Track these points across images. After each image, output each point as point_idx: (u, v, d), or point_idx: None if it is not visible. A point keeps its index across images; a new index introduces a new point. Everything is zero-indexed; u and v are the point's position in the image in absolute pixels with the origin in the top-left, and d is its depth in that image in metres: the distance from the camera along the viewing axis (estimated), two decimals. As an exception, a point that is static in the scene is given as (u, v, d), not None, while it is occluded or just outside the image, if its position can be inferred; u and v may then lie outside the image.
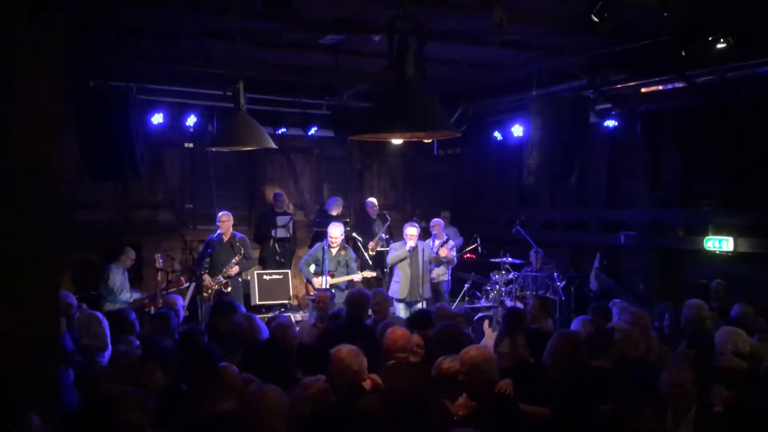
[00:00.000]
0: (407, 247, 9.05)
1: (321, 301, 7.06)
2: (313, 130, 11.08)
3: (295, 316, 9.43)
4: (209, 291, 9.09)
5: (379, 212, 11.85)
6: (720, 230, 9.28)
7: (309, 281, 9.25)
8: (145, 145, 8.78)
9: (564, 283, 9.93)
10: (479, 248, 11.20)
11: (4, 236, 4.26)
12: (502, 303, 9.41)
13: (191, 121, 10.00)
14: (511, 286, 9.97)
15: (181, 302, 7.59)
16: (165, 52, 8.50)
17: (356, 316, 6.36)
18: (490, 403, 4.25)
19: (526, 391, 4.62)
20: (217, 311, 6.44)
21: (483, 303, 10.00)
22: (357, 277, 9.19)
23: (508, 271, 10.09)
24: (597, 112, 9.79)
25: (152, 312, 8.62)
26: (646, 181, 10.56)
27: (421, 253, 9.13)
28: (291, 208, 12.05)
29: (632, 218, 10.75)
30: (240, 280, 9.59)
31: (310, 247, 10.24)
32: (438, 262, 9.76)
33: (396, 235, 11.02)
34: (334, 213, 11.30)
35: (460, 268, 11.23)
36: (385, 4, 5.34)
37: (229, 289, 9.14)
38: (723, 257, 9.23)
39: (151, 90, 9.41)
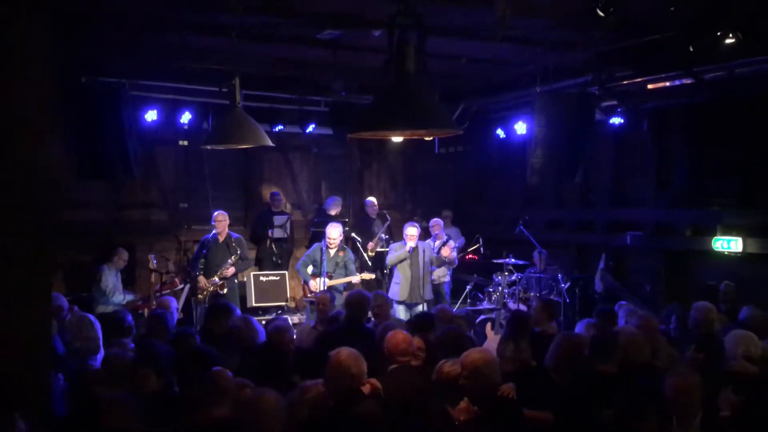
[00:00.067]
0: (407, 248, 9.05)
1: (321, 303, 7.05)
2: (311, 128, 11.08)
3: (292, 319, 9.42)
4: (204, 293, 9.09)
5: (378, 212, 11.85)
6: (729, 230, 9.28)
7: (306, 283, 9.24)
8: (138, 143, 8.79)
9: (568, 284, 9.93)
10: (481, 249, 11.21)
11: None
12: (504, 305, 9.40)
13: (186, 118, 9.99)
14: (514, 287, 9.97)
15: (175, 304, 7.56)
16: (159, 47, 8.49)
17: (356, 318, 6.36)
18: (492, 407, 4.24)
19: (529, 395, 4.61)
20: (212, 313, 6.43)
21: (485, 305, 10.00)
22: (356, 278, 9.19)
23: (511, 273, 10.08)
24: (602, 109, 9.78)
25: (146, 314, 8.62)
26: (652, 180, 10.56)
27: (421, 253, 9.12)
28: (288, 208, 12.06)
29: (638, 218, 10.75)
30: (236, 281, 9.59)
31: (308, 247, 10.24)
32: (440, 262, 9.76)
33: (396, 235, 11.02)
34: (333, 213, 11.30)
35: (462, 270, 11.24)
36: (384, -2, 5.34)
37: (225, 290, 9.13)
38: (732, 258, 9.23)
39: (144, 86, 9.40)
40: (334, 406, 4.18)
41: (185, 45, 8.35)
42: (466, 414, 4.20)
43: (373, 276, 9.69)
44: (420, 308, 8.99)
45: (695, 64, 8.11)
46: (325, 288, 8.78)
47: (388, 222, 11.37)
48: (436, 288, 10.14)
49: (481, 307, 10.00)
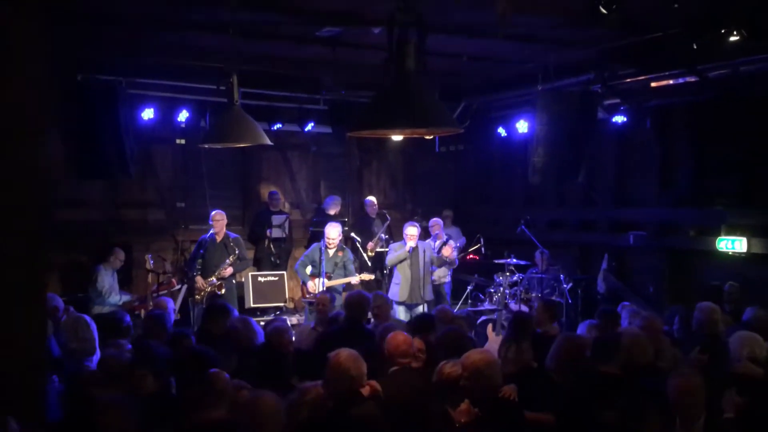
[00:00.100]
0: (407, 248, 9.04)
1: (321, 304, 7.04)
2: (309, 126, 11.08)
3: (291, 320, 9.42)
4: (202, 293, 9.08)
5: (378, 211, 11.85)
6: (733, 230, 9.28)
7: (304, 284, 9.24)
8: (135, 141, 8.81)
9: (571, 285, 9.93)
10: (482, 249, 11.21)
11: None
12: (506, 306, 9.40)
13: (183, 116, 9.99)
14: (515, 288, 9.97)
15: (172, 305, 7.57)
16: (156, 45, 8.50)
17: (355, 319, 6.36)
18: (493, 409, 4.25)
19: (530, 397, 4.62)
20: (210, 314, 6.44)
21: (486, 306, 10.00)
22: (355, 279, 9.18)
23: (512, 273, 10.09)
24: (605, 107, 9.79)
25: (142, 315, 8.62)
26: (656, 179, 10.56)
27: (422, 253, 9.12)
28: (287, 207, 12.06)
29: (642, 218, 10.75)
30: (234, 281, 9.58)
31: (307, 247, 10.24)
32: (441, 262, 9.75)
33: (396, 235, 11.02)
34: (332, 212, 11.30)
35: (463, 270, 11.24)
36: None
37: (223, 291, 9.13)
38: (736, 258, 9.23)
39: (141, 84, 9.40)
40: (333, 407, 4.18)
41: (183, 42, 8.37)
42: (466, 416, 4.21)
43: (372, 277, 9.69)
44: (420, 309, 8.99)
45: (699, 62, 8.12)
46: (324, 289, 8.78)
47: (388, 222, 11.38)
48: (437, 288, 10.14)
49: (482, 308, 9.99)
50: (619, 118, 9.98)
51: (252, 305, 10.05)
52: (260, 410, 3.79)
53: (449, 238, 10.25)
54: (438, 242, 10.00)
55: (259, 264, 11.07)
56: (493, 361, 4.42)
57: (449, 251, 9.75)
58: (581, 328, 6.28)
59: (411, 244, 9.05)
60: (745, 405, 4.47)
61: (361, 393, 4.31)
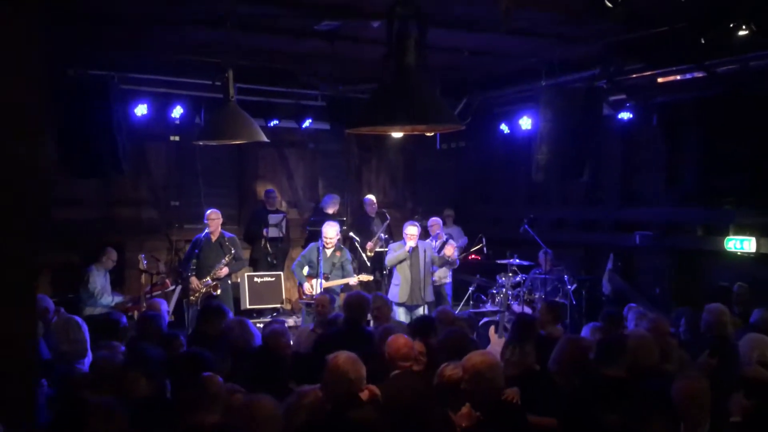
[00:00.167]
0: (407, 248, 9.04)
1: (321, 305, 7.04)
2: (307, 123, 11.07)
3: (288, 321, 9.42)
4: (196, 294, 9.09)
5: (377, 210, 11.86)
6: (742, 230, 9.29)
7: (301, 285, 9.23)
8: (128, 138, 8.79)
9: (575, 286, 9.94)
10: (484, 249, 11.22)
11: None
12: (508, 307, 9.40)
13: (177, 112, 9.98)
14: (518, 289, 9.97)
15: (166, 306, 7.57)
16: (149, 39, 8.49)
17: (355, 320, 6.35)
18: (495, 413, 4.24)
19: (533, 400, 4.62)
20: (204, 316, 6.43)
21: (488, 307, 10.00)
22: (353, 280, 9.18)
23: (515, 274, 10.09)
24: (610, 103, 9.79)
25: (135, 316, 8.62)
26: (662, 178, 10.57)
27: (422, 254, 9.11)
28: (284, 206, 12.06)
29: (648, 217, 10.75)
30: (229, 282, 9.59)
31: (304, 247, 10.24)
32: (442, 262, 9.73)
33: (396, 234, 11.03)
34: (330, 211, 11.30)
35: (464, 271, 11.24)
36: (384, -13, 5.33)
37: (219, 291, 9.13)
38: (745, 259, 9.24)
39: (134, 79, 9.39)
40: (331, 411, 4.18)
41: (177, 37, 8.37)
42: (467, 420, 4.20)
43: (371, 278, 9.69)
44: (421, 311, 8.99)
45: (707, 57, 8.12)
46: (320, 290, 8.77)
47: (388, 221, 11.38)
48: (438, 289, 10.14)
49: (484, 310, 10.00)
50: (624, 115, 9.98)
51: (248, 306, 10.06)
52: (258, 414, 3.79)
53: (449, 237, 10.25)
54: (438, 242, 10.00)
55: (255, 264, 11.07)
56: (494, 363, 4.42)
57: (452, 251, 9.71)
58: (585, 331, 6.28)
59: (411, 244, 9.04)
60: (752, 408, 4.47)
61: (359, 397, 4.31)
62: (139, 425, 4.03)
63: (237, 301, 10.02)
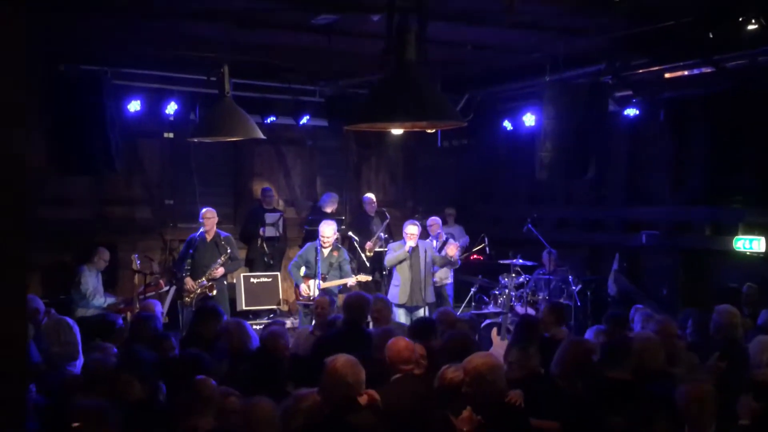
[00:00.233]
0: (406, 248, 9.03)
1: (320, 307, 7.03)
2: (305, 119, 11.08)
3: (285, 323, 9.42)
4: (191, 295, 9.09)
5: (377, 209, 11.86)
6: (751, 229, 9.28)
7: (297, 286, 9.22)
8: (121, 135, 8.79)
9: (580, 287, 9.94)
10: (487, 249, 11.20)
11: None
12: (511, 309, 9.41)
13: (171, 108, 9.98)
14: (521, 290, 9.97)
15: (160, 308, 7.59)
16: (143, 33, 8.48)
17: (355, 322, 6.35)
18: (496, 416, 4.24)
19: (536, 403, 4.62)
20: (200, 317, 6.44)
21: (491, 309, 10.01)
22: (351, 280, 9.17)
23: (518, 274, 10.09)
24: (616, 99, 9.79)
25: (128, 318, 8.63)
26: (669, 175, 10.57)
27: (423, 254, 9.11)
28: (281, 205, 12.06)
29: (654, 216, 10.76)
30: (225, 283, 9.59)
31: (302, 247, 10.24)
32: (443, 262, 9.69)
33: (396, 234, 11.02)
34: (329, 210, 11.30)
35: (466, 271, 11.23)
36: (383, -20, 5.33)
37: (214, 292, 9.13)
38: (754, 259, 9.23)
39: (128, 74, 9.40)
40: (329, 415, 4.18)
41: (171, 30, 8.35)
42: (469, 423, 4.20)
43: (369, 278, 9.68)
44: (421, 312, 8.99)
45: (715, 51, 8.11)
46: (317, 291, 8.75)
47: (388, 220, 11.38)
48: (438, 290, 10.13)
49: (486, 311, 10.00)
50: (630, 111, 9.99)
51: (244, 308, 10.05)
52: (256, 417, 3.80)
53: (449, 237, 10.25)
54: (438, 242, 10.00)
55: (251, 264, 11.07)
56: (496, 365, 4.41)
57: (454, 250, 9.65)
58: (588, 334, 6.29)
59: (411, 243, 9.03)
60: (761, 411, 4.47)
61: (358, 401, 4.31)
62: (132, 429, 4.03)
63: (233, 302, 10.02)
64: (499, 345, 7.82)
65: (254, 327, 6.88)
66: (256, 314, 10.09)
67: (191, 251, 9.22)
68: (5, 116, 4.36)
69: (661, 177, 10.72)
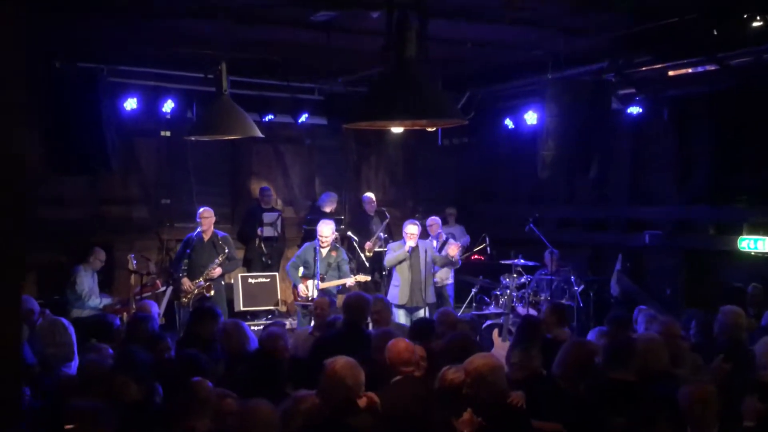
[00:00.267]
0: (406, 248, 9.02)
1: (319, 308, 7.04)
2: (303, 118, 11.08)
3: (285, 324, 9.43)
4: (188, 296, 9.09)
5: (377, 209, 11.85)
6: (756, 229, 9.28)
7: (296, 287, 9.22)
8: (117, 133, 8.79)
9: (582, 287, 9.94)
10: (488, 249, 11.20)
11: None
12: (513, 310, 9.41)
13: (168, 106, 9.99)
14: (523, 290, 9.97)
15: (157, 308, 7.58)
16: (139, 30, 8.47)
17: (355, 322, 6.35)
18: (497, 418, 4.24)
19: (538, 405, 4.62)
20: (196, 317, 6.44)
21: (492, 309, 10.01)
22: (350, 281, 9.16)
23: (520, 275, 10.09)
24: (619, 97, 9.80)
25: (125, 319, 8.62)
26: (673, 175, 10.57)
27: (423, 254, 9.10)
28: (279, 204, 12.06)
29: (658, 216, 10.76)
30: (223, 283, 9.59)
31: (300, 247, 10.23)
32: (444, 262, 9.67)
33: (396, 234, 11.02)
34: (328, 210, 11.30)
35: (467, 271, 11.23)
36: (383, -24, 5.34)
37: (212, 293, 9.13)
38: (759, 259, 9.24)
39: (124, 72, 9.40)
40: (328, 418, 4.18)
41: (168, 27, 8.34)
42: (469, 426, 4.20)
43: (368, 278, 9.68)
44: (422, 313, 8.99)
45: (719, 49, 8.11)
46: (316, 292, 8.75)
47: (387, 220, 11.38)
48: (439, 291, 10.13)
49: (487, 312, 10.00)
50: (634, 109, 9.99)
51: (242, 308, 10.06)
52: (255, 419, 3.80)
53: (449, 237, 10.25)
54: (438, 243, 10.00)
55: (249, 264, 11.07)
56: (497, 366, 4.41)
57: (456, 250, 9.62)
58: (591, 336, 6.29)
59: (411, 243, 9.03)
60: (766, 412, 4.48)
61: (357, 404, 4.31)
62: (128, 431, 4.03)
63: (230, 302, 10.03)
64: (500, 346, 7.84)
65: (252, 328, 6.87)
66: (254, 315, 10.09)
67: (188, 251, 9.22)
68: (4, 116, 4.36)
69: (664, 176, 10.72)
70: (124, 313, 8.99)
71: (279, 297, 10.53)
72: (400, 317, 9.00)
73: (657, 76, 9.27)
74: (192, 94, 10.04)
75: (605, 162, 9.27)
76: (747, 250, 9.27)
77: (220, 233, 9.51)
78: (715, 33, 7.34)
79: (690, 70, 8.91)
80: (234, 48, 8.11)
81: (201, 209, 9.49)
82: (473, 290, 10.84)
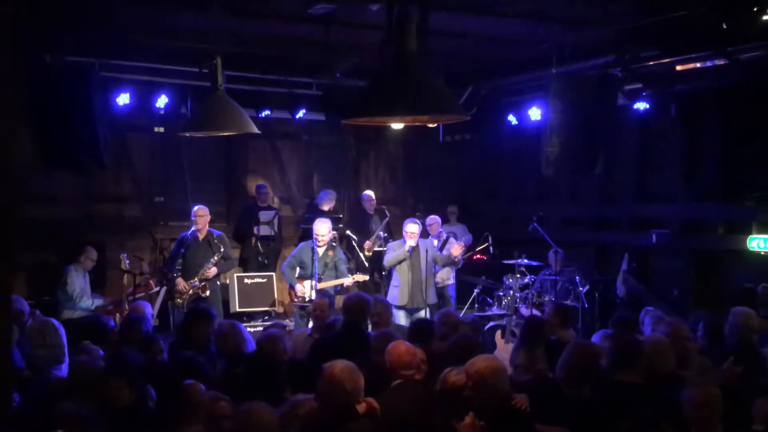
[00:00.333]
0: (406, 247, 9.02)
1: (319, 309, 7.03)
2: (301, 113, 11.08)
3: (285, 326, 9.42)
4: (183, 296, 9.08)
5: (376, 207, 11.85)
6: (766, 228, 9.29)
7: (292, 287, 9.21)
8: (109, 129, 8.76)
9: (587, 288, 9.94)
10: (491, 248, 11.20)
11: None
12: (516, 311, 9.40)
13: (162, 102, 9.99)
14: (526, 291, 9.96)
15: (150, 309, 7.58)
16: (132, 22, 8.47)
17: (355, 324, 6.34)
18: (500, 421, 4.24)
19: (543, 408, 4.62)
20: (191, 319, 6.42)
21: (495, 311, 10.00)
22: (348, 280, 9.15)
23: (523, 275, 10.08)
24: (625, 92, 9.79)
25: (117, 320, 8.62)
26: (681, 172, 10.57)
27: (423, 253, 9.10)
28: (276, 202, 12.05)
29: (665, 214, 10.76)
30: (218, 283, 9.59)
31: (297, 246, 10.23)
32: (446, 261, 9.64)
33: (396, 233, 11.02)
34: (326, 208, 11.30)
35: (469, 271, 11.23)
36: (383, -33, 5.33)
37: (207, 293, 9.11)
38: (769, 259, 9.25)
39: (116, 66, 9.40)
40: (326, 423, 4.18)
41: (161, 20, 8.34)
42: (471, 429, 4.19)
43: (366, 277, 9.66)
44: (422, 314, 8.98)
45: (729, 42, 8.11)
46: (313, 293, 8.74)
47: (387, 218, 11.38)
48: (440, 291, 10.13)
49: (490, 313, 9.99)
50: (640, 105, 9.99)
51: (237, 309, 10.05)
52: (253, 423, 3.80)
53: (450, 236, 10.24)
54: (438, 242, 9.99)
55: (245, 264, 11.07)
56: (499, 368, 4.41)
57: (458, 250, 9.56)
58: (595, 338, 6.29)
59: (411, 242, 9.02)
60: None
61: (356, 409, 4.31)
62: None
63: (226, 303, 10.03)
64: (503, 348, 7.84)
65: (248, 329, 6.87)
66: (251, 316, 10.08)
67: (182, 250, 9.21)
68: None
69: (671, 173, 10.72)
70: (117, 314, 9.00)
71: (276, 298, 10.53)
72: (401, 318, 8.99)
73: (664, 70, 9.27)
74: (186, 89, 10.03)
75: (611, 159, 9.27)
76: (757, 249, 9.26)
77: (216, 232, 9.50)
78: (724, 26, 7.34)
79: (698, 65, 8.91)
80: (230, 41, 8.10)
81: (195, 207, 9.48)
82: (475, 291, 10.83)
